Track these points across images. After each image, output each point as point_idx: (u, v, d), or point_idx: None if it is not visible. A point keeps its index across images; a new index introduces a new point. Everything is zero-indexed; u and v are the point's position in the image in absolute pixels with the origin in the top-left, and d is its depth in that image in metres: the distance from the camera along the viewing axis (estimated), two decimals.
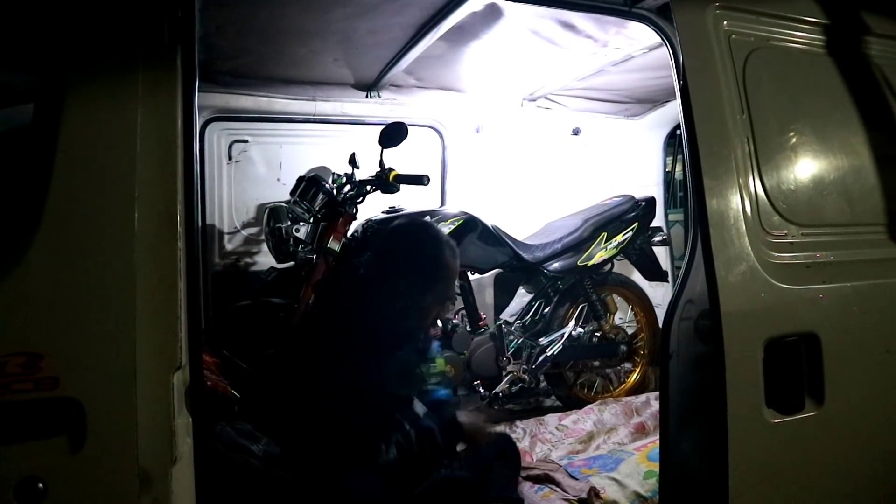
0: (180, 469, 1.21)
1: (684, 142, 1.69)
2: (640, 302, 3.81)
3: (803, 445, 1.67)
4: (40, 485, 1.08)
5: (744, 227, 1.66)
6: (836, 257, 1.79)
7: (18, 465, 1.09)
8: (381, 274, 1.79)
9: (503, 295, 3.61)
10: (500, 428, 3.17)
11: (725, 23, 1.78)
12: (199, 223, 1.37)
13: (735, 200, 1.66)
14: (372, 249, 1.86)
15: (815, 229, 1.79)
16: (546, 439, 3.03)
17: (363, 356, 1.71)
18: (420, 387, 1.95)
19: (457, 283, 3.25)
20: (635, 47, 2.81)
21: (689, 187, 1.71)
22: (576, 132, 4.10)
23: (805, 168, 1.83)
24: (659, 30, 1.80)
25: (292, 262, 3.00)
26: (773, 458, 1.63)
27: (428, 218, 3.04)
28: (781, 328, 1.66)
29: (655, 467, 2.30)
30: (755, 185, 1.72)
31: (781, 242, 1.73)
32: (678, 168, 5.09)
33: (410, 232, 1.95)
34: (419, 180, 2.88)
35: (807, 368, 1.68)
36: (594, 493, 2.32)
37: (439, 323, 1.97)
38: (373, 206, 3.09)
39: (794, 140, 1.82)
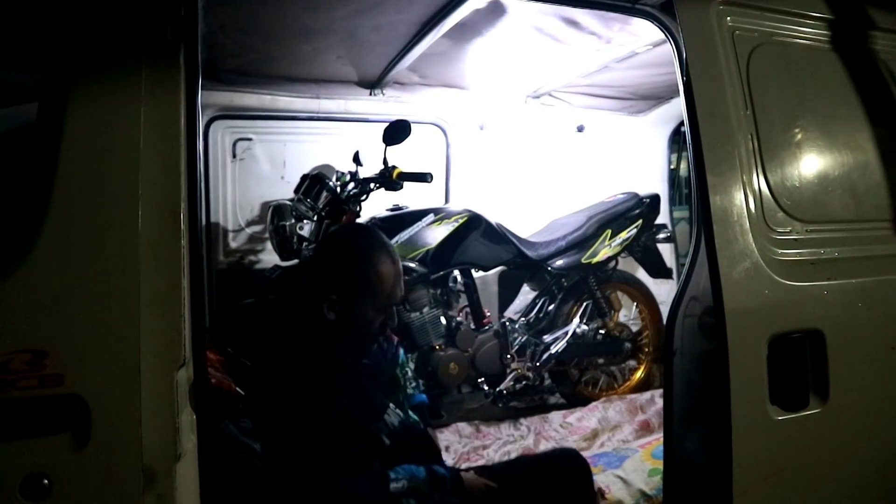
0: (184, 466, 1.22)
1: (688, 138, 1.68)
2: (645, 299, 3.81)
3: (808, 442, 1.66)
4: (45, 481, 1.09)
5: (748, 223, 1.65)
6: (841, 254, 1.78)
7: (24, 462, 1.09)
8: (317, 287, 1.77)
9: (507, 292, 3.61)
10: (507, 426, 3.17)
11: (729, 18, 1.78)
12: (204, 221, 1.37)
13: (739, 197, 1.66)
14: (312, 264, 1.87)
15: (819, 226, 1.78)
16: (550, 436, 3.04)
17: (315, 373, 1.72)
18: (392, 396, 1.94)
19: (460, 280, 3.26)
20: (639, 44, 2.81)
21: (692, 184, 1.70)
22: (580, 129, 4.10)
23: (809, 164, 1.82)
24: (662, 26, 1.80)
25: (297, 260, 3.01)
26: (777, 455, 1.62)
27: (435, 220, 3.04)
28: (785, 325, 1.65)
29: (660, 465, 2.30)
30: (759, 181, 1.71)
31: (786, 239, 1.72)
32: (683, 165, 5.08)
33: (336, 242, 1.91)
34: (423, 178, 2.88)
35: (811, 365, 1.67)
36: (600, 492, 2.31)
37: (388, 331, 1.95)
38: (377, 204, 3.09)
39: (798, 136, 1.81)
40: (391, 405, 1.89)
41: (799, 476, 1.66)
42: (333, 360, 1.78)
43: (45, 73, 1.25)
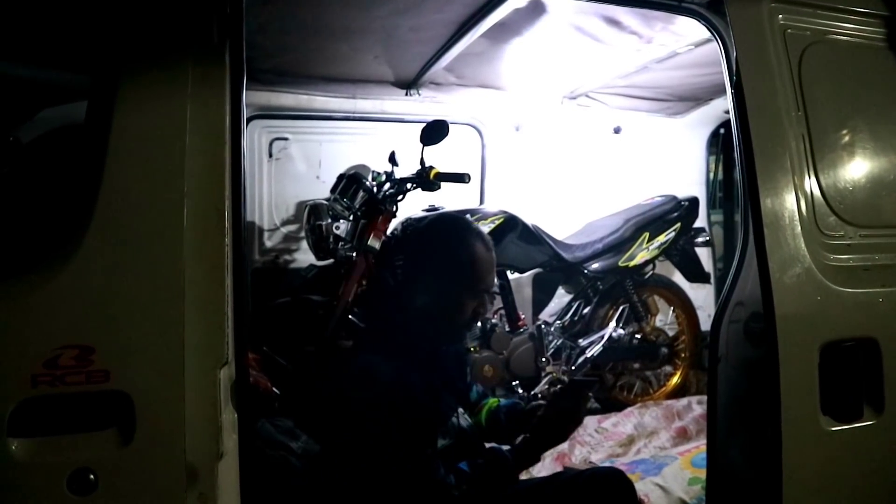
0: (225, 465, 1.22)
1: (736, 139, 1.64)
2: (682, 304, 3.74)
3: (861, 455, 1.61)
4: (92, 476, 1.10)
5: (799, 227, 1.60)
6: None
7: (71, 457, 1.10)
8: (412, 273, 1.72)
9: (542, 295, 3.58)
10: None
11: (780, 17, 1.73)
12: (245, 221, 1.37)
13: (790, 200, 1.61)
14: (404, 249, 1.83)
15: (873, 230, 1.73)
16: (585, 442, 2.99)
17: (405, 363, 1.64)
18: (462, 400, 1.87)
19: (496, 281, 3.23)
20: (681, 44, 2.75)
21: (740, 186, 1.65)
22: (616, 130, 4.04)
23: (863, 167, 1.76)
24: (709, 25, 1.75)
25: (332, 260, 3.01)
26: (829, 468, 1.58)
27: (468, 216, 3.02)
28: (838, 332, 1.60)
29: (700, 473, 2.25)
30: (811, 184, 1.67)
31: (838, 244, 1.67)
32: (720, 168, 4.99)
33: (434, 227, 1.83)
34: (460, 178, 2.87)
35: (865, 375, 1.61)
36: (639, 501, 2.26)
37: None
38: (413, 204, 3.09)
39: (852, 137, 1.75)
40: (459, 409, 1.82)
41: (852, 489, 1.61)
42: (427, 348, 1.74)
43: (94, 72, 1.26)
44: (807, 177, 1.66)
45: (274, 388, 2.41)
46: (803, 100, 1.70)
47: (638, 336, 3.52)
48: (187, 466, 1.16)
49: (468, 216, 3.01)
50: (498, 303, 3.29)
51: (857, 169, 1.75)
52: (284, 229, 3.63)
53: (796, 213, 1.61)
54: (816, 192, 1.67)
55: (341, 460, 1.65)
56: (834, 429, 1.56)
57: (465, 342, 1.87)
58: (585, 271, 3.37)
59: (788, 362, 1.52)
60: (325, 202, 3.09)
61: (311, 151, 3.64)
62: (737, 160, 1.65)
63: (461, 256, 1.71)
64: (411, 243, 1.78)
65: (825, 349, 1.57)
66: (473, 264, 1.71)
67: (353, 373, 1.67)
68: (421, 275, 1.70)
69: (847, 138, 1.75)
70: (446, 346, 1.82)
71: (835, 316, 1.61)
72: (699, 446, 2.59)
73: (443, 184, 2.91)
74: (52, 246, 1.16)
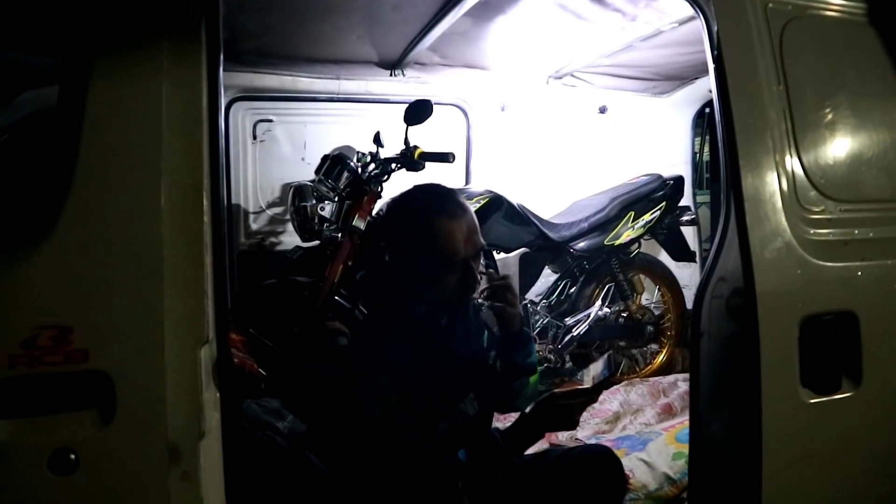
0: (208, 443, 1.22)
1: (717, 115, 1.64)
2: (667, 282, 3.77)
3: (840, 426, 1.63)
4: (72, 456, 1.10)
5: (780, 202, 1.61)
6: (876, 234, 1.73)
7: (51, 437, 1.10)
8: (393, 252, 1.65)
9: (529, 274, 3.58)
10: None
11: None
12: (225, 201, 1.34)
13: (771, 175, 1.61)
14: (385, 229, 1.75)
15: (853, 205, 1.73)
16: None
17: (410, 348, 1.59)
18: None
19: (482, 262, 3.22)
20: (665, 21, 2.75)
21: (721, 161, 1.65)
22: (602, 110, 4.04)
23: (844, 142, 1.76)
24: (691, 0, 1.75)
25: (318, 241, 3.00)
26: (808, 439, 1.59)
27: None
28: (818, 306, 1.61)
29: (684, 448, 2.28)
30: (792, 159, 1.67)
31: (819, 218, 1.68)
32: (706, 148, 4.99)
33: (401, 202, 1.74)
34: (445, 158, 2.85)
35: (844, 348, 1.63)
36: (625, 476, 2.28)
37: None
38: (398, 185, 3.07)
39: (832, 113, 1.75)
40: (471, 395, 1.73)
41: (830, 460, 1.63)
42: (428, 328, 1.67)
43: (66, 52, 1.24)
44: (788, 152, 1.66)
45: (260, 370, 2.41)
46: (785, 75, 1.69)
47: (624, 314, 3.54)
48: (169, 445, 1.16)
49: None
50: (484, 282, 3.28)
51: (837, 144, 1.75)
52: (270, 211, 3.62)
53: (777, 189, 1.61)
54: (797, 167, 1.67)
55: (340, 441, 1.62)
56: (813, 401, 1.58)
57: (468, 315, 1.76)
58: (571, 250, 3.38)
59: (769, 336, 1.52)
60: (309, 184, 3.07)
61: (295, 133, 3.62)
62: (718, 135, 1.65)
63: (425, 228, 1.60)
64: (387, 222, 1.75)
65: (805, 323, 1.58)
66: (439, 235, 1.59)
67: (356, 361, 1.58)
68: (400, 253, 1.65)
69: (828, 114, 1.75)
70: (456, 322, 1.74)
71: (814, 290, 1.62)
72: (683, 422, 2.62)
73: (428, 164, 2.90)
74: (28, 226, 1.14)
